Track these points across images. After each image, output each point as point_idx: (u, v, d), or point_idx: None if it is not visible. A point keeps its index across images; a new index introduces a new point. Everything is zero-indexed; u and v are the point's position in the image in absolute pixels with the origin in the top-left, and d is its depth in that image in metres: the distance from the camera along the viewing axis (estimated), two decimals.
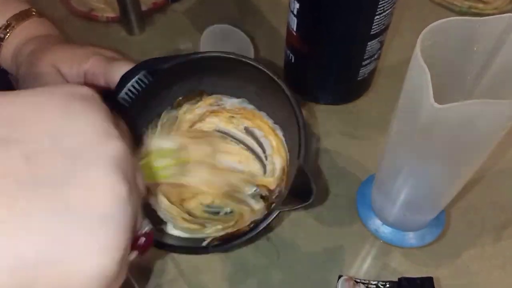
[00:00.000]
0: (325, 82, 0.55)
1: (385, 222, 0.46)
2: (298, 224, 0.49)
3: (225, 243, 0.41)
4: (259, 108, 0.49)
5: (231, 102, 0.50)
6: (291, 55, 0.54)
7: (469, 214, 0.50)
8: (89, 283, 0.20)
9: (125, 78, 0.43)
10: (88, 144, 0.21)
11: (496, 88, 0.35)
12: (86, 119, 0.22)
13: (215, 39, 0.57)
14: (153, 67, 0.43)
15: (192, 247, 0.43)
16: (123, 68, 0.42)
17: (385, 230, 0.46)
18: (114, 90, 0.43)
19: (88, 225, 0.20)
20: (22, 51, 0.47)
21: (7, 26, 0.48)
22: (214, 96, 0.49)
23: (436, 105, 0.29)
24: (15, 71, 0.48)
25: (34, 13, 0.50)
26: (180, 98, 0.49)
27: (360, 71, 0.53)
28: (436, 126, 0.31)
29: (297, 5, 0.48)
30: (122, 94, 0.42)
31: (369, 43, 0.49)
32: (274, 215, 0.39)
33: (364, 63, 0.51)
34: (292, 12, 0.49)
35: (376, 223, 0.47)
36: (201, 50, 0.56)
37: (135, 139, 0.40)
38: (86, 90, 0.24)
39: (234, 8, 0.71)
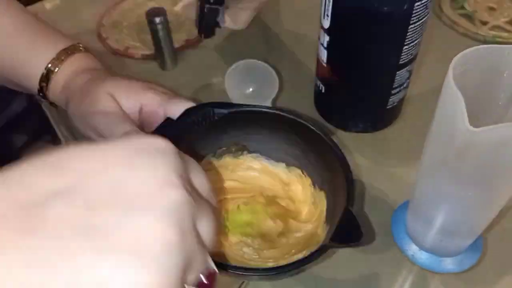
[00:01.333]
0: (355, 111, 0.56)
1: (422, 247, 0.46)
2: (334, 251, 0.49)
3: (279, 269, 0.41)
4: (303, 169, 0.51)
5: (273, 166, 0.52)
6: (321, 85, 0.56)
7: (507, 240, 0.49)
8: None
9: (189, 113, 0.46)
10: (146, 193, 0.22)
11: None
12: (150, 170, 0.23)
13: (241, 75, 0.59)
14: (214, 110, 0.46)
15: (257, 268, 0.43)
16: (182, 104, 0.46)
17: (422, 256, 0.46)
18: (174, 121, 0.46)
19: (133, 264, 0.21)
20: (74, 82, 0.49)
21: (57, 59, 0.51)
22: (255, 155, 0.52)
23: (471, 128, 0.30)
24: (64, 102, 0.50)
25: (81, 48, 0.53)
26: (224, 148, 0.52)
27: (390, 99, 0.54)
28: (471, 150, 0.31)
29: (327, 38, 0.50)
30: (182, 126, 0.46)
31: (398, 72, 0.50)
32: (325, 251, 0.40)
33: (393, 91, 0.53)
34: (322, 44, 0.51)
35: (412, 249, 0.47)
36: (226, 86, 0.59)
37: None
38: (161, 142, 0.25)
39: (260, 43, 0.74)
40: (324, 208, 0.47)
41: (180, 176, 0.24)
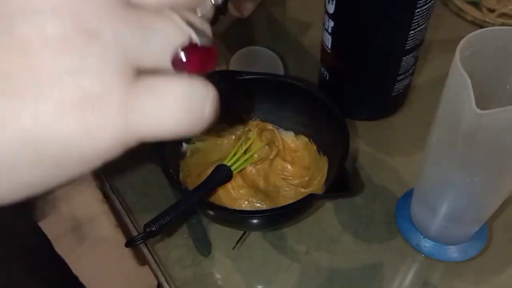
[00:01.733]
0: (360, 98, 0.56)
1: (427, 235, 0.46)
2: (335, 241, 0.49)
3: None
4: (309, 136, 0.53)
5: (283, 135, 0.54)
6: (325, 72, 0.55)
7: None
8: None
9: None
10: None
11: None
12: None
13: (246, 61, 0.59)
14: (226, 75, 0.50)
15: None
16: None
17: (427, 244, 0.46)
18: None
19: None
20: None
21: None
22: (270, 125, 0.53)
23: (478, 110, 0.29)
24: None
25: None
26: (236, 116, 0.54)
27: (395, 86, 0.53)
28: (478, 133, 0.31)
29: (331, 24, 0.49)
30: None
31: (403, 58, 0.50)
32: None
33: (399, 78, 0.52)
34: (327, 30, 0.50)
35: (417, 237, 0.46)
36: None
37: None
38: None
39: (265, 30, 0.73)
40: (326, 172, 0.48)
41: None
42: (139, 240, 0.35)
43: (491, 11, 0.72)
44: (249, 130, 0.52)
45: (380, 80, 0.53)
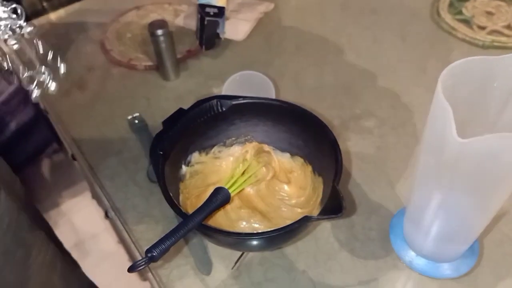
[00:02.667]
0: None
1: (419, 253, 0.47)
2: (333, 258, 0.50)
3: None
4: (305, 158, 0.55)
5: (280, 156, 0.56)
6: None
7: (504, 245, 0.50)
8: None
9: (198, 104, 0.52)
10: None
11: None
12: None
13: (238, 85, 0.61)
14: (221, 101, 0.52)
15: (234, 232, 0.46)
16: None
17: (420, 262, 0.47)
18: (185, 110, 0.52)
19: None
20: None
21: None
22: (266, 146, 0.56)
23: (459, 139, 0.30)
24: None
25: None
26: (233, 138, 0.56)
27: None
28: (460, 160, 0.32)
29: None
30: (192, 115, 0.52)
31: None
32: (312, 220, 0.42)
33: None
34: None
35: (410, 255, 0.48)
36: None
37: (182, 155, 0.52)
38: None
39: (261, 52, 0.75)
40: (321, 192, 0.50)
41: None
42: (141, 265, 0.36)
43: (482, 28, 0.75)
44: (246, 152, 0.54)
45: None
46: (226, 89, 0.61)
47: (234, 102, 0.52)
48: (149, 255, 0.37)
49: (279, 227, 0.42)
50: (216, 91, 0.68)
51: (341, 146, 0.48)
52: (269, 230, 0.41)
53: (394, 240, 0.49)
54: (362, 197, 0.55)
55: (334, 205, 0.41)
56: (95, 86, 0.72)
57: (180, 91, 0.70)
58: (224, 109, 0.52)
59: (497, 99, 0.37)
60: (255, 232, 0.42)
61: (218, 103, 0.52)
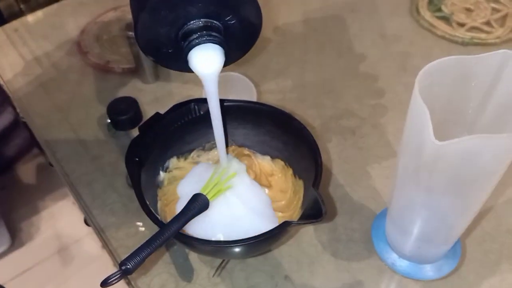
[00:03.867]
0: None
1: (401, 255, 0.47)
2: (315, 261, 0.50)
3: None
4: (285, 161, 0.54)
5: (260, 159, 0.55)
6: None
7: (486, 243, 0.50)
8: None
9: (175, 108, 0.51)
10: None
11: (498, 121, 0.36)
12: None
13: (219, 87, 0.60)
14: (198, 105, 0.51)
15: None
16: None
17: (402, 264, 0.47)
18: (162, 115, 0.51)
19: None
20: None
21: None
22: (246, 150, 0.55)
23: (436, 142, 0.30)
24: None
25: None
26: (212, 142, 0.54)
27: None
28: (438, 162, 0.32)
29: None
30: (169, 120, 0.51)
31: None
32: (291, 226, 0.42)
33: None
34: None
35: (392, 257, 0.47)
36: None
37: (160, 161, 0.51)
38: None
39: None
40: (302, 195, 0.49)
41: None
42: (115, 279, 0.35)
43: (461, 25, 0.74)
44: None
45: None
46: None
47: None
48: (123, 268, 0.36)
49: (259, 233, 0.41)
50: (196, 94, 0.67)
51: (322, 147, 0.48)
52: (248, 237, 0.40)
53: (376, 242, 0.49)
54: (344, 198, 0.55)
55: (315, 209, 0.41)
56: (72, 89, 0.70)
57: (159, 94, 0.68)
58: (202, 112, 0.51)
59: (476, 99, 0.37)
60: (234, 239, 0.41)
61: (196, 106, 0.51)
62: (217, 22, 0.41)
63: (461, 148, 0.30)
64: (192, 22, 0.41)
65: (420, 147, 0.32)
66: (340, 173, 0.57)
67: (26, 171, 1.41)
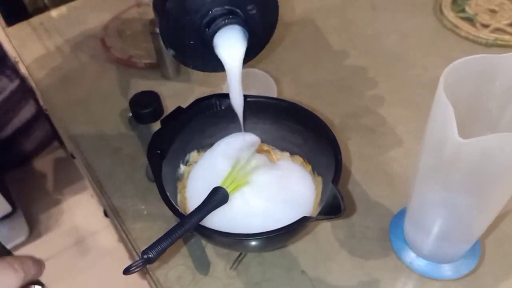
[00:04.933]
0: None
1: (420, 254, 0.46)
2: (332, 258, 0.50)
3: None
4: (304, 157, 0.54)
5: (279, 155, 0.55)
6: None
7: (505, 245, 0.49)
8: None
9: (197, 102, 0.52)
10: None
11: None
12: None
13: None
14: (220, 100, 0.52)
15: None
16: None
17: (420, 263, 0.46)
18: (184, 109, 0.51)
19: None
20: None
21: None
22: (266, 146, 0.55)
23: (460, 139, 0.30)
24: None
25: None
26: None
27: None
28: (461, 160, 0.32)
29: None
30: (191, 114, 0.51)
31: None
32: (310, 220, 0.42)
33: None
34: None
35: (410, 256, 0.47)
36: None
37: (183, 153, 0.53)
38: None
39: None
40: (320, 191, 0.49)
41: None
42: (137, 267, 0.36)
43: (485, 26, 0.74)
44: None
45: None
46: (227, 85, 0.60)
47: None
48: (145, 256, 0.37)
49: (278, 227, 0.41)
50: (216, 89, 0.68)
51: (341, 144, 0.48)
52: (267, 231, 0.41)
53: (394, 241, 0.48)
54: (362, 196, 0.55)
55: (334, 205, 0.41)
56: (94, 82, 0.72)
57: (180, 89, 0.69)
58: (223, 107, 0.52)
59: (499, 97, 0.37)
60: (252, 233, 0.41)
61: (217, 101, 0.52)
62: (240, 11, 0.42)
63: (485, 146, 0.30)
64: (216, 9, 0.42)
65: (443, 145, 0.32)
66: (358, 171, 0.57)
67: (45, 164, 1.44)
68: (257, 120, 0.54)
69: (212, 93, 0.53)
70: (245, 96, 0.51)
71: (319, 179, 0.50)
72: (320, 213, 0.42)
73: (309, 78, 0.69)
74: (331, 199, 0.42)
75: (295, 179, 0.52)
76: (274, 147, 0.55)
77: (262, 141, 0.55)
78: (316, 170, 0.52)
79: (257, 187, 0.49)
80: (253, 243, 0.44)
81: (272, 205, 0.49)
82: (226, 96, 0.52)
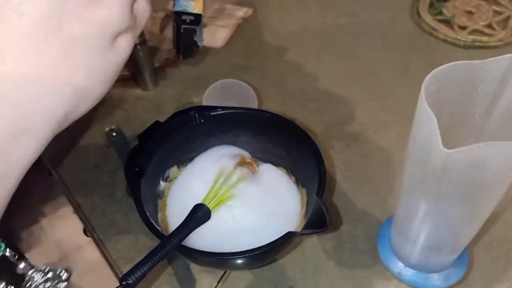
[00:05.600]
0: None
1: (407, 264, 0.46)
2: (320, 270, 0.49)
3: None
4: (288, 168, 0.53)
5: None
6: None
7: (493, 249, 0.49)
8: None
9: (175, 116, 0.50)
10: None
11: (504, 126, 0.35)
12: None
13: (219, 94, 0.59)
14: (199, 113, 0.50)
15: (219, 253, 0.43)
16: None
17: (408, 273, 0.46)
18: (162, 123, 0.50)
19: None
20: None
21: None
22: (249, 158, 0.53)
23: (445, 150, 0.29)
24: None
25: None
26: None
27: None
28: (446, 170, 0.31)
29: None
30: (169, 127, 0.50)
31: None
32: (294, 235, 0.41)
33: None
34: None
35: (398, 266, 0.46)
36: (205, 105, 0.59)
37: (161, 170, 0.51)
38: None
39: (240, 58, 0.73)
40: (305, 203, 0.48)
41: None
42: None
43: (463, 28, 0.74)
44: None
45: None
46: (207, 98, 0.59)
47: (212, 113, 0.50)
48: (123, 283, 0.35)
49: (261, 245, 0.40)
50: (196, 100, 0.66)
51: (325, 153, 0.47)
52: (250, 248, 0.40)
53: (381, 251, 0.48)
54: (348, 205, 0.54)
55: (319, 219, 0.40)
56: None
57: (159, 101, 0.67)
58: (202, 120, 0.50)
59: (482, 104, 0.36)
60: (236, 251, 0.40)
61: (196, 114, 0.50)
62: None
63: (471, 155, 0.29)
64: None
65: (427, 155, 0.31)
66: (344, 180, 0.56)
67: (24, 179, 1.40)
68: (238, 132, 0.52)
69: (192, 104, 0.52)
70: (224, 108, 0.50)
71: (303, 190, 0.50)
72: (305, 227, 0.41)
73: (292, 87, 0.68)
74: (316, 212, 0.41)
75: (279, 191, 0.51)
76: (257, 159, 0.54)
77: (244, 154, 0.54)
78: (300, 181, 0.51)
79: (241, 201, 0.48)
80: (238, 261, 0.42)
81: (259, 218, 0.48)
82: (206, 108, 0.50)
